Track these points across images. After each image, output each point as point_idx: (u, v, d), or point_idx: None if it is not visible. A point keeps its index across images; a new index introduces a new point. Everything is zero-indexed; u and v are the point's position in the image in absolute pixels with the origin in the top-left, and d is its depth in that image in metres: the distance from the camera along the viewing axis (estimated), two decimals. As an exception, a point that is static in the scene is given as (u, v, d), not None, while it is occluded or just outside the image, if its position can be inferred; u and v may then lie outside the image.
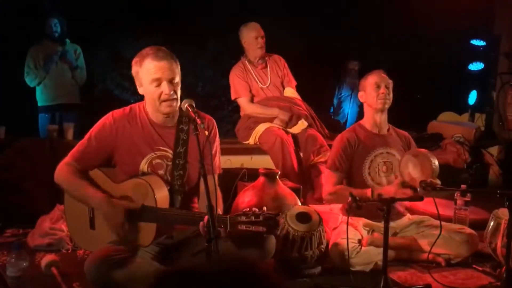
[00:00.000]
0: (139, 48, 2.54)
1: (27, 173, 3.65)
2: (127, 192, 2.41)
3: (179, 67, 2.47)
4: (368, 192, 2.95)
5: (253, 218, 2.17)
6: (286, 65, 4.60)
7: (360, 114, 7.15)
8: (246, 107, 4.43)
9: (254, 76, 4.46)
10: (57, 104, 5.15)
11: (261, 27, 4.43)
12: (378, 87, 3.16)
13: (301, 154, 4.23)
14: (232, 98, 4.53)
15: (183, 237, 2.55)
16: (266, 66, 4.51)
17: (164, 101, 2.41)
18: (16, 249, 2.49)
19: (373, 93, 3.17)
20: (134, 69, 2.48)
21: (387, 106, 3.19)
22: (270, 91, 4.49)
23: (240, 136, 4.47)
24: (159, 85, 2.40)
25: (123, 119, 2.52)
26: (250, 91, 4.44)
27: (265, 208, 2.22)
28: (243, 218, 2.18)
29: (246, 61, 4.49)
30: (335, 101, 7.31)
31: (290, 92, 4.57)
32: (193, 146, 2.48)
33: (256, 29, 4.41)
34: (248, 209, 2.22)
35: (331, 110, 7.30)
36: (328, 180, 3.17)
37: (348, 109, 7.19)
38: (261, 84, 4.46)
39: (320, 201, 4.00)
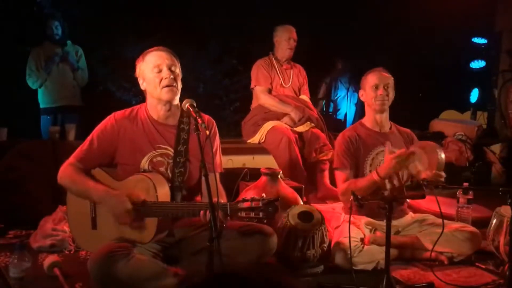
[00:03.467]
0: (140, 49, 2.61)
1: (29, 174, 3.65)
2: (129, 189, 2.42)
3: (179, 63, 2.59)
4: (374, 175, 2.94)
5: (252, 204, 2.19)
6: (306, 77, 4.75)
7: (358, 113, 7.21)
8: (262, 96, 4.48)
9: (278, 73, 4.56)
10: (59, 106, 5.16)
11: (295, 32, 4.58)
12: (377, 88, 3.15)
13: (304, 147, 4.26)
14: (252, 86, 4.60)
15: (184, 235, 2.56)
16: (290, 69, 4.64)
17: (164, 86, 2.50)
18: (18, 250, 2.50)
19: (371, 94, 3.16)
20: (138, 66, 2.60)
21: (386, 106, 3.18)
22: (288, 92, 4.58)
23: (245, 132, 4.49)
24: (159, 71, 2.52)
25: (124, 120, 2.58)
26: (271, 84, 4.51)
27: (264, 195, 2.24)
28: (243, 205, 2.20)
29: (273, 58, 4.61)
30: (332, 102, 7.32)
31: (305, 98, 4.67)
32: (193, 144, 2.52)
33: (291, 31, 4.58)
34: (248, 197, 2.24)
35: (330, 110, 7.30)
36: (338, 180, 3.16)
37: (346, 109, 7.19)
38: (283, 82, 4.56)
39: (323, 200, 4.00)
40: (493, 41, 6.31)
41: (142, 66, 2.57)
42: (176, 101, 2.57)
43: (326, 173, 4.18)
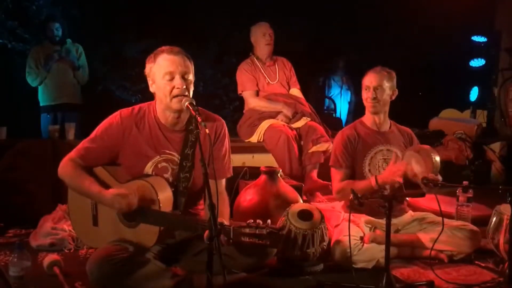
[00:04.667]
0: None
1: (29, 173, 3.65)
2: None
3: (193, 67, 2.47)
4: (372, 180, 2.95)
5: (256, 231, 2.17)
6: (292, 68, 4.70)
7: (351, 111, 7.21)
8: (251, 100, 4.46)
9: (263, 71, 4.54)
10: (58, 103, 5.15)
11: (270, 27, 4.55)
12: (366, 89, 3.16)
13: (302, 143, 4.25)
14: (238, 92, 4.59)
15: (185, 236, 2.54)
16: (274, 64, 4.60)
17: (175, 96, 2.39)
18: (18, 249, 2.49)
19: (363, 95, 3.19)
20: (148, 66, 2.47)
21: (376, 109, 3.16)
22: (277, 88, 4.55)
23: (243, 133, 4.48)
24: (171, 79, 2.39)
25: (131, 120, 2.50)
26: (257, 85, 4.49)
27: (269, 221, 2.22)
28: (247, 230, 2.18)
29: (254, 58, 4.58)
30: (327, 100, 7.31)
31: (296, 92, 4.65)
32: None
33: (264, 26, 4.55)
34: (252, 220, 2.21)
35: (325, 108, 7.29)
36: (334, 178, 3.17)
37: (339, 107, 7.19)
38: (269, 80, 4.53)
39: (309, 193, 4.01)
40: (493, 39, 6.30)
41: (154, 68, 2.43)
42: None
43: (317, 168, 4.16)
